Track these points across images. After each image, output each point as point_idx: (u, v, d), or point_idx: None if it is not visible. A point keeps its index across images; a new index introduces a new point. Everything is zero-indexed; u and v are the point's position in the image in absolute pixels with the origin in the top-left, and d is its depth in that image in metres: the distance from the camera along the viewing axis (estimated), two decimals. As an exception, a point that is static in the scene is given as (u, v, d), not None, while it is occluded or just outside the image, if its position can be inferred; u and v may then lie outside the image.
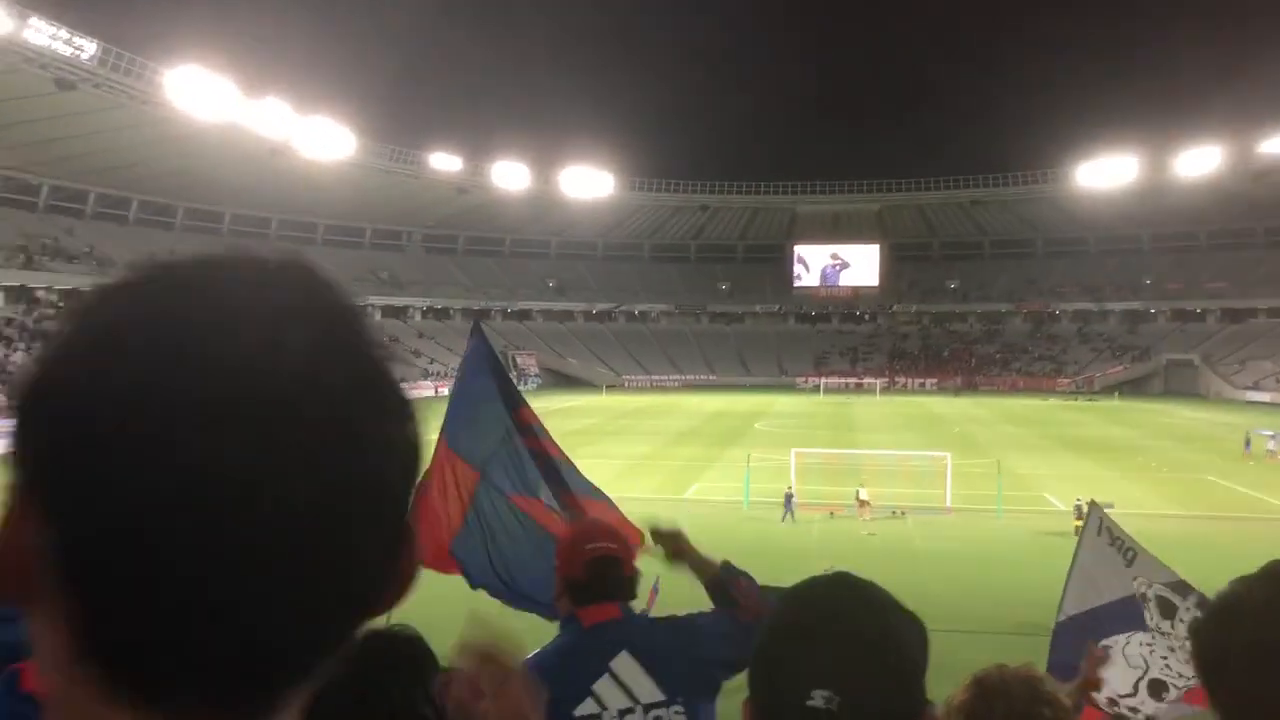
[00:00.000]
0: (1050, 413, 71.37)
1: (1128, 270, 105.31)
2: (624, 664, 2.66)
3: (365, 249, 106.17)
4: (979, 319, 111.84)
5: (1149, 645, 6.78)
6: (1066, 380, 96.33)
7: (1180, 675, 6.38)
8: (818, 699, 1.21)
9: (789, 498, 31.74)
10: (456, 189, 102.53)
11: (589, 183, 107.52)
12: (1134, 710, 6.52)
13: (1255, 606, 1.23)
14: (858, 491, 32.33)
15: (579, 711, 2.62)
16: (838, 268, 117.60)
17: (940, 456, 36.52)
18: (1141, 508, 32.92)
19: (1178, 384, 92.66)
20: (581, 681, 2.65)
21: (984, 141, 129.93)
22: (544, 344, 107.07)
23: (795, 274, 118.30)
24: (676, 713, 2.66)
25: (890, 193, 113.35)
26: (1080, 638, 6.61)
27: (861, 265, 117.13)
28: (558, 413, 70.80)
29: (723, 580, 2.97)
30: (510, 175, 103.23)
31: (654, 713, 2.64)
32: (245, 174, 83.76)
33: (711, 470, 41.62)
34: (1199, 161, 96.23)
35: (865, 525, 30.77)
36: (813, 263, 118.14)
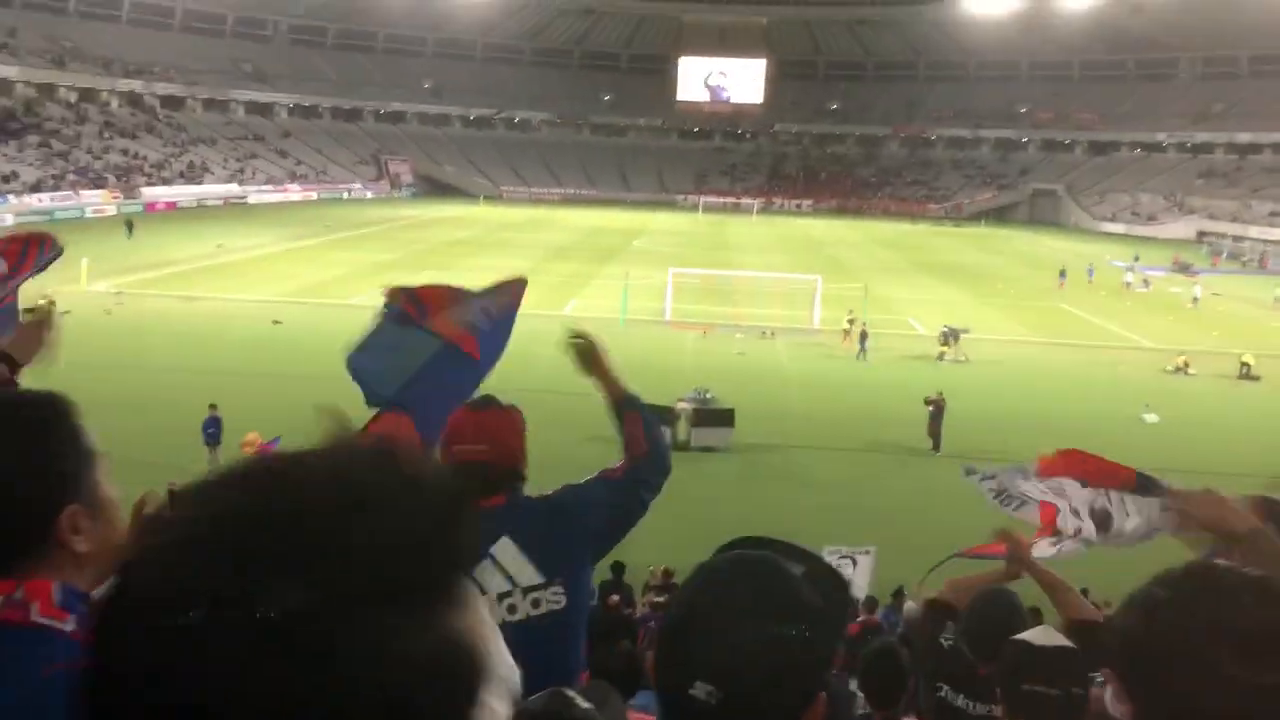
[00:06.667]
0: (919, 238, 73.31)
1: (1003, 98, 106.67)
2: (504, 549, 2.70)
3: (226, 38, 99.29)
4: (857, 141, 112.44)
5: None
6: (937, 206, 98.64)
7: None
8: (699, 690, 1.23)
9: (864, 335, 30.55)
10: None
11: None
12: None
13: (1180, 605, 1.28)
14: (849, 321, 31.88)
15: None
16: (723, 84, 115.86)
17: (811, 279, 37.26)
18: (999, 333, 34.61)
19: (1042, 213, 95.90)
20: None
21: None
22: (419, 149, 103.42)
23: (680, 88, 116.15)
24: (555, 593, 2.72)
25: (778, 5, 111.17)
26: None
27: (746, 82, 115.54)
28: (434, 223, 69.24)
29: (620, 407, 2.99)
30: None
31: (532, 595, 2.71)
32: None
33: (590, 287, 41.67)
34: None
35: (738, 344, 31.48)
36: (698, 77, 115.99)
